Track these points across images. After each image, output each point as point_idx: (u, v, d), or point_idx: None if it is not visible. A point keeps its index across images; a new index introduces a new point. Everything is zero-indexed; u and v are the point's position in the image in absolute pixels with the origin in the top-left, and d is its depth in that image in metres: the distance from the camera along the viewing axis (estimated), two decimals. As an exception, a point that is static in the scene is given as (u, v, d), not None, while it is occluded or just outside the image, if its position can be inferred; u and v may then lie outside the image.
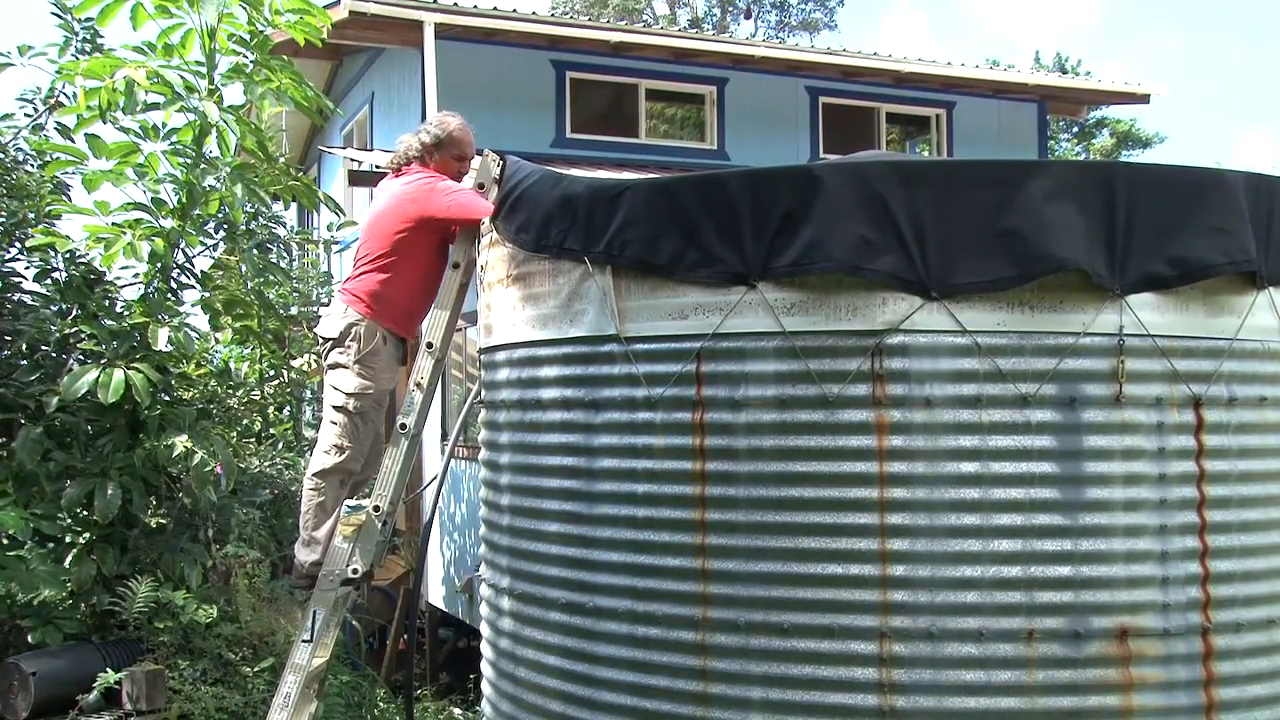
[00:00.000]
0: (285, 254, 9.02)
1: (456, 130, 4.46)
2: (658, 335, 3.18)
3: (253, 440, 8.73)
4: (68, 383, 5.26)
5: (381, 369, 4.37)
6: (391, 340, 4.40)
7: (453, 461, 9.40)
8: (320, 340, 4.48)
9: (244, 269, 6.50)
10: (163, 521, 6.09)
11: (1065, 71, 27.52)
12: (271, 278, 7.22)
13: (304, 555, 4.35)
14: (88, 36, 6.19)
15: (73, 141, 5.95)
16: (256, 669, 5.86)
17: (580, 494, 3.34)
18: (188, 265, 6.37)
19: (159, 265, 5.92)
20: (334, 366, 4.37)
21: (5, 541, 5.45)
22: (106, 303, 6.03)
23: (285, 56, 6.30)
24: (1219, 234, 3.04)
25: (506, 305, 3.70)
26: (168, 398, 5.90)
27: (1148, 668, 2.95)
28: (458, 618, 9.95)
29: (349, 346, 4.31)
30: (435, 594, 10.38)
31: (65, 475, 5.52)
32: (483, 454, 3.96)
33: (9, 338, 5.93)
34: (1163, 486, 3.00)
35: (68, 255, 6.04)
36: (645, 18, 32.45)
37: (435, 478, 5.18)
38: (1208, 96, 73.03)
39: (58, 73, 6.03)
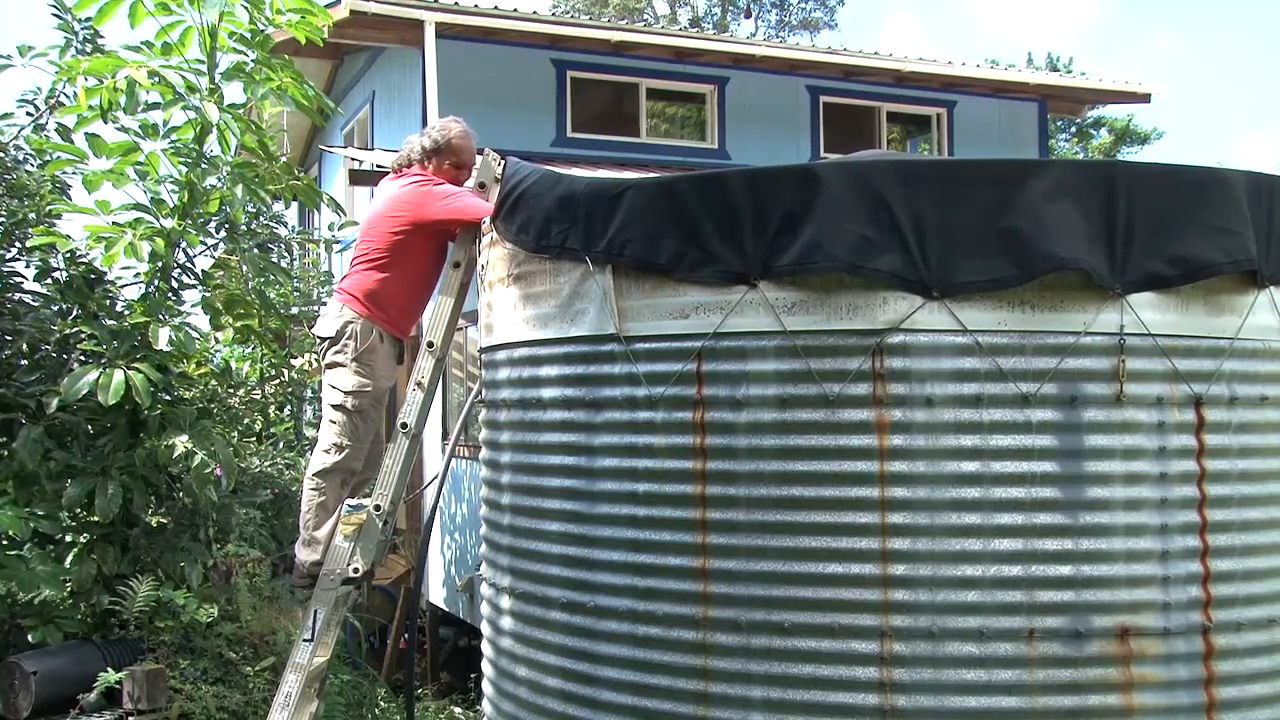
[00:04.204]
0: (286, 253, 9.03)
1: (456, 137, 4.46)
2: (658, 334, 3.18)
3: (253, 440, 8.74)
4: (68, 383, 5.26)
5: (379, 367, 4.38)
6: (388, 339, 4.40)
7: (453, 461, 9.40)
8: (318, 340, 4.49)
9: (245, 268, 6.50)
10: (163, 521, 6.10)
11: (1058, 71, 27.46)
12: (272, 277, 7.22)
13: (305, 555, 4.36)
14: (88, 36, 6.19)
15: (73, 141, 5.95)
16: (257, 668, 5.86)
17: (581, 493, 3.34)
18: (188, 265, 6.37)
19: (159, 265, 5.92)
20: (332, 366, 4.38)
21: (5, 541, 5.45)
22: (107, 302, 6.03)
23: (286, 55, 6.30)
24: (1220, 233, 3.04)
25: (507, 305, 3.70)
26: (168, 397, 5.90)
27: (1148, 667, 2.95)
28: (458, 617, 9.95)
29: (346, 345, 4.32)
30: (436, 593, 10.38)
31: (66, 475, 5.52)
32: (483, 453, 3.96)
33: (9, 337, 5.93)
34: (1163, 485, 2.99)
35: (68, 255, 6.04)
36: (646, 17, 32.44)
37: (436, 477, 5.18)
38: (1208, 96, 73.03)
39: (58, 72, 6.03)
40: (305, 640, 4.16)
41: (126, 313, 5.96)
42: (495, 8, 11.47)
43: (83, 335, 5.70)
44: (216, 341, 7.96)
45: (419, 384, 4.23)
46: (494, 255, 3.81)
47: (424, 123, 10.62)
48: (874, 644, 2.93)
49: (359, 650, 8.82)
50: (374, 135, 13.54)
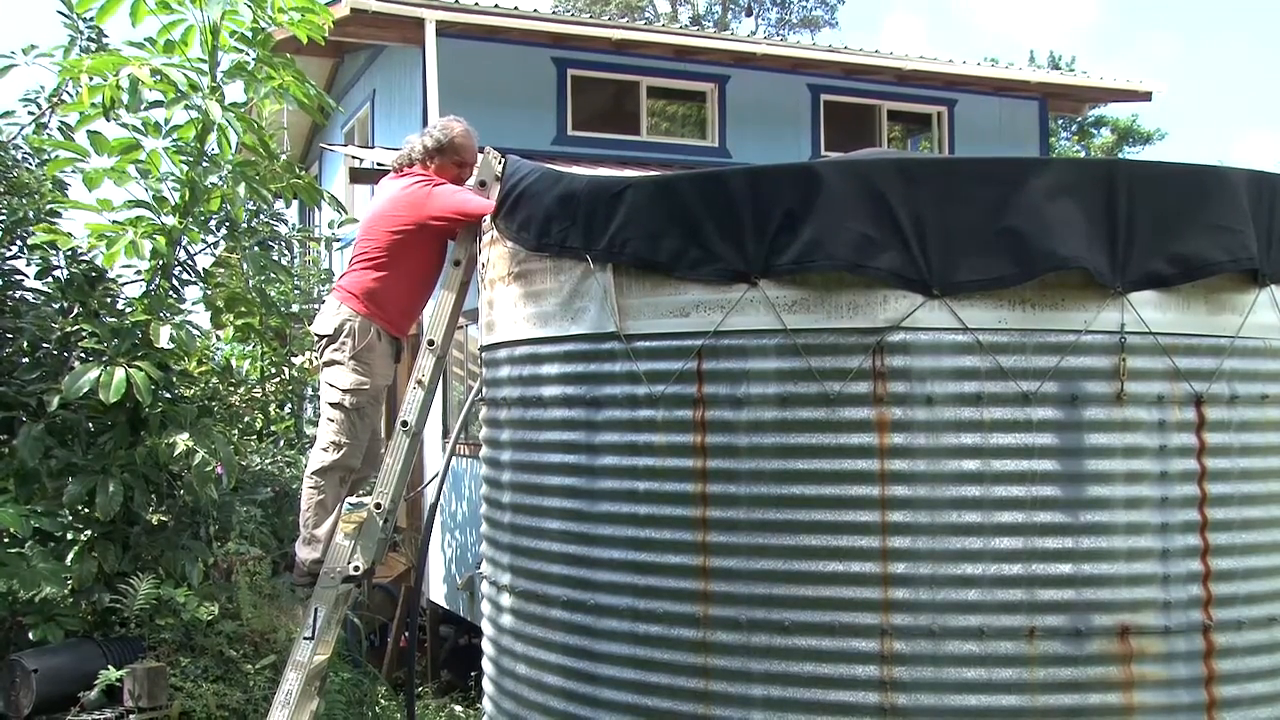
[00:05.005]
0: (287, 251, 9.03)
1: (459, 137, 4.47)
2: (659, 333, 3.18)
3: (254, 438, 8.75)
4: (69, 381, 5.26)
5: (377, 365, 4.38)
6: (386, 337, 4.40)
7: (454, 459, 9.40)
8: (315, 338, 4.49)
9: (245, 266, 6.50)
10: (164, 519, 6.10)
11: (1059, 70, 27.44)
12: (273, 275, 7.22)
13: (305, 553, 4.36)
14: (92, 36, 6.20)
15: (74, 139, 5.95)
16: (258, 666, 5.87)
17: (581, 491, 3.34)
18: (189, 263, 6.38)
19: (160, 263, 5.92)
20: (329, 364, 4.38)
21: (6, 539, 5.45)
22: (108, 300, 6.04)
23: (287, 54, 6.31)
24: (1221, 232, 3.03)
25: (508, 303, 3.70)
26: (169, 395, 5.91)
27: (1149, 665, 2.95)
28: (459, 615, 9.95)
29: (343, 343, 4.32)
30: (436, 591, 10.38)
31: (67, 473, 5.53)
32: (484, 451, 3.96)
33: (10, 335, 5.93)
34: (1164, 484, 2.99)
35: (69, 253, 6.04)
36: (647, 15, 32.42)
37: (436, 475, 5.18)
38: (1208, 96, 72.97)
39: (61, 70, 6.03)
40: (306, 638, 4.17)
41: (127, 311, 5.97)
42: (496, 6, 11.47)
43: (84, 333, 5.71)
44: (217, 339, 7.97)
45: (419, 382, 4.23)
46: (494, 253, 3.81)
47: (424, 121, 10.62)
48: (874, 642, 2.93)
49: (359, 648, 8.83)
50: (374, 133, 13.54)
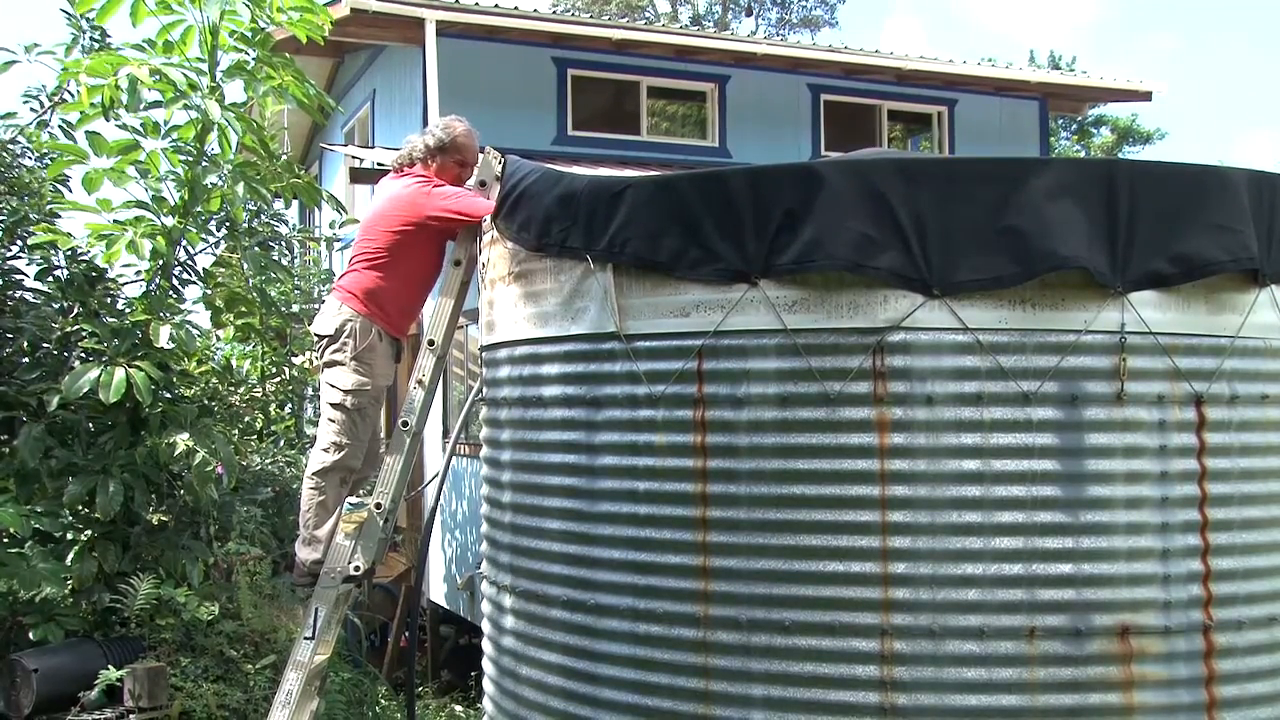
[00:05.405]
0: (287, 251, 9.04)
1: (461, 136, 4.47)
2: (659, 333, 3.18)
3: (254, 437, 8.75)
4: (69, 381, 5.26)
5: (378, 366, 4.38)
6: (386, 337, 4.40)
7: (454, 459, 9.40)
8: (316, 338, 4.48)
9: (245, 266, 6.50)
10: (164, 519, 6.10)
11: (1059, 69, 27.40)
12: (273, 275, 7.22)
13: (305, 554, 4.36)
14: (95, 36, 6.20)
15: (75, 139, 5.95)
16: (258, 666, 5.86)
17: (582, 491, 3.34)
18: (189, 263, 6.37)
19: (160, 263, 5.92)
20: (330, 364, 4.38)
21: (7, 539, 5.45)
22: (108, 300, 6.04)
23: (286, 54, 6.30)
24: (1221, 231, 3.03)
25: (508, 303, 3.70)
26: (169, 395, 5.91)
27: (1149, 665, 2.95)
28: (459, 615, 9.96)
29: (344, 344, 4.32)
30: (437, 591, 10.39)
31: (67, 473, 5.52)
32: (484, 451, 3.96)
33: (11, 335, 5.93)
34: (1164, 484, 2.99)
35: (69, 253, 6.04)
36: (647, 15, 32.41)
37: (437, 475, 5.18)
38: (1208, 96, 72.96)
39: (62, 70, 6.03)
40: (306, 638, 4.17)
41: (127, 310, 5.97)
42: (496, 5, 11.46)
43: (84, 333, 5.71)
44: (217, 339, 7.97)
45: (420, 382, 4.23)
46: (495, 253, 3.81)
47: (424, 121, 10.63)
48: (874, 642, 2.93)
49: (359, 648, 8.83)
50: (374, 133, 13.54)
